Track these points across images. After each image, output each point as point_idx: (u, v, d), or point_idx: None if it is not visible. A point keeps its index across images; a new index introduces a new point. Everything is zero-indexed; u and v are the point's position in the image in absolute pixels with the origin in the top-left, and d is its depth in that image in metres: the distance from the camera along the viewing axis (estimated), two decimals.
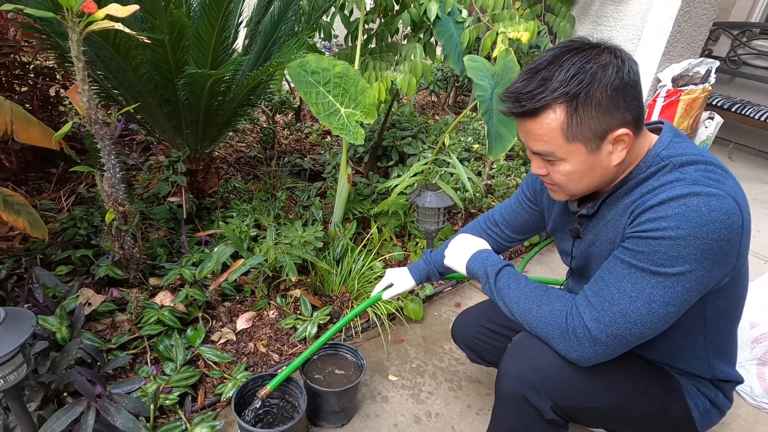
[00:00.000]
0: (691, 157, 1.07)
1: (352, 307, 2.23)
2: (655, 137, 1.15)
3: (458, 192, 2.65)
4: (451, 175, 2.82)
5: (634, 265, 1.04)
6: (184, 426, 1.68)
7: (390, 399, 1.91)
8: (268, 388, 1.55)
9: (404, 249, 2.66)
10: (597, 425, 1.33)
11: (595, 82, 1.01)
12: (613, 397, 1.20)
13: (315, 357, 1.82)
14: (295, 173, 3.28)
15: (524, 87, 1.06)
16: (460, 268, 1.40)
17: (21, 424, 1.38)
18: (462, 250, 1.42)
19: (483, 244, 1.42)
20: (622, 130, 1.05)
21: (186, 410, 1.74)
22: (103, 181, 1.89)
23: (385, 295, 1.66)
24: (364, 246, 2.49)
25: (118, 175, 1.89)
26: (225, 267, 2.15)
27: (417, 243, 2.72)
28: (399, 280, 1.66)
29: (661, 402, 1.22)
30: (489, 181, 2.95)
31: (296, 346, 2.05)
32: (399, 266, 2.61)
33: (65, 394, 1.62)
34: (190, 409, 1.75)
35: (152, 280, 2.16)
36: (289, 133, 3.90)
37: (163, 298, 2.00)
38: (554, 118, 1.05)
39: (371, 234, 2.56)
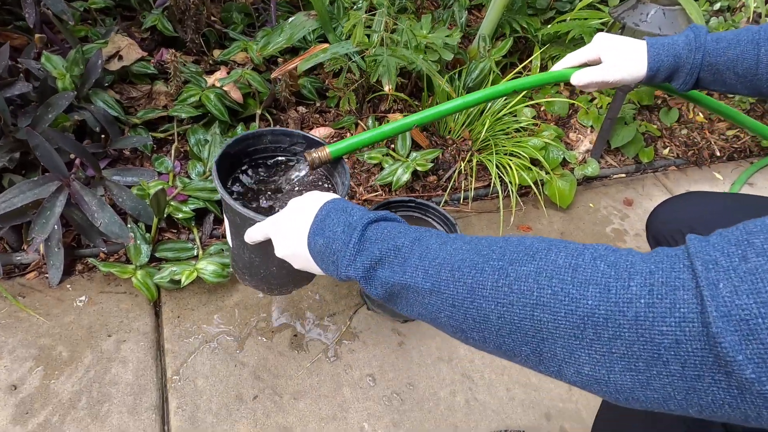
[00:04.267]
0: None
1: (470, 160, 1.51)
2: None
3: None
4: None
5: None
6: (195, 251, 1.21)
7: None
8: (327, 151, 0.82)
9: (573, 99, 1.79)
10: None
11: None
12: None
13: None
14: None
15: None
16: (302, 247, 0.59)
17: None
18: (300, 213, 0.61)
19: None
20: None
21: (204, 232, 1.26)
22: None
23: (579, 78, 0.84)
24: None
25: None
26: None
27: (594, 99, 1.81)
28: (617, 54, 0.82)
29: None
30: None
31: (376, 191, 1.43)
32: (556, 124, 1.78)
33: None
34: (209, 232, 1.26)
35: (217, 53, 1.60)
36: None
37: (217, 80, 1.43)
38: None
39: (529, 64, 1.70)
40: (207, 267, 1.13)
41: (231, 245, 0.86)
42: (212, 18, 1.61)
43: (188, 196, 1.23)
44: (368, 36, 1.38)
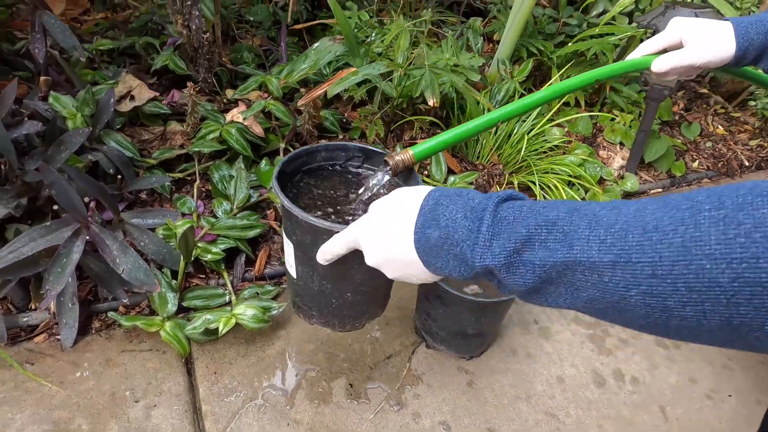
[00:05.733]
0: None
1: (509, 183, 1.42)
2: None
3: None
4: None
5: None
6: (227, 297, 1.07)
7: (555, 335, 1.14)
8: (410, 153, 0.71)
9: (594, 120, 1.74)
10: None
11: None
12: None
13: None
14: (446, 6, 2.39)
15: None
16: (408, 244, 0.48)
17: None
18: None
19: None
20: None
21: (235, 275, 1.12)
22: None
23: (661, 64, 0.78)
24: None
25: None
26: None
27: (615, 119, 1.77)
28: (701, 34, 0.76)
29: None
30: None
31: None
32: (584, 141, 1.72)
33: (57, 207, 1.06)
34: (240, 275, 1.13)
35: (230, 93, 1.52)
36: None
37: (236, 115, 1.35)
38: None
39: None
40: (246, 312, 0.99)
41: (294, 276, 0.74)
42: (222, 59, 1.55)
43: (217, 235, 1.10)
44: (391, 59, 1.33)
